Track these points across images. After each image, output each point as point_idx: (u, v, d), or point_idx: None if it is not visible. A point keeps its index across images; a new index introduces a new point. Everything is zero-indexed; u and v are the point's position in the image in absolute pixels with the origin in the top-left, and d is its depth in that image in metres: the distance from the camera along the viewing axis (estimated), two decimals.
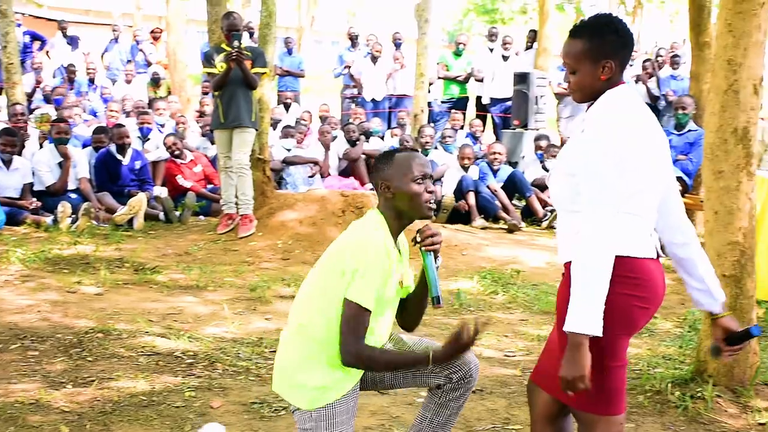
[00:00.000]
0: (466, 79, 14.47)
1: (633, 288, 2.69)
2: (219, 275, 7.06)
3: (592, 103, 2.80)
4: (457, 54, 14.53)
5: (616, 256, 2.61)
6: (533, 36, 15.63)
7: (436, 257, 3.10)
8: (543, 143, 11.16)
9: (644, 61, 13.79)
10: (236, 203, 8.44)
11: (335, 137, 11.77)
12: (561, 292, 2.83)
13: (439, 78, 14.38)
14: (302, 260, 7.64)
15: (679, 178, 8.72)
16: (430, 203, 3.06)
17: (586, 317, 2.55)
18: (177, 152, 10.23)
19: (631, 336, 2.80)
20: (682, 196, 8.60)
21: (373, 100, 14.43)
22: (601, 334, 2.56)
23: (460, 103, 14.55)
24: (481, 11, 37.30)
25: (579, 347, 2.57)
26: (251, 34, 13.99)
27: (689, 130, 8.86)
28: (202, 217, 9.71)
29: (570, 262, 2.66)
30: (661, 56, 14.28)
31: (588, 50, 2.74)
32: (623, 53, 2.76)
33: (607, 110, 2.72)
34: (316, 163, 11.22)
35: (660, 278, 2.79)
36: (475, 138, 12.48)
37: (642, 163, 2.68)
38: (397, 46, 15.01)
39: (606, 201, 2.61)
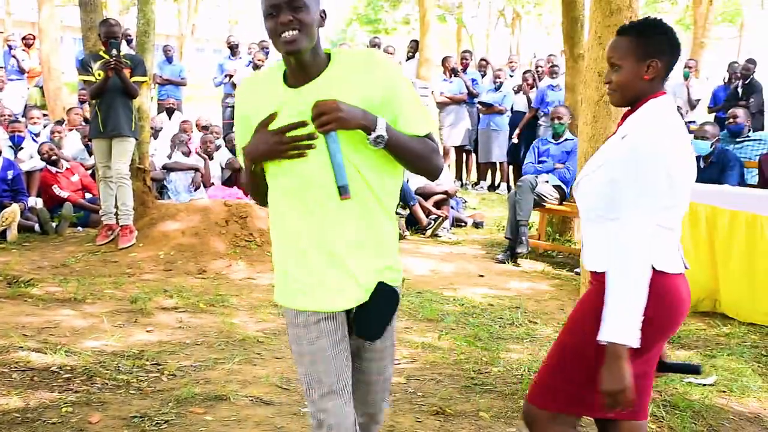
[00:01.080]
0: None
1: (656, 308, 2.66)
2: (98, 287, 6.89)
3: (630, 111, 2.80)
4: None
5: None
6: (415, 46, 15.81)
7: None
8: None
9: (524, 72, 14.13)
10: (116, 214, 8.26)
11: (218, 147, 11.65)
12: (588, 301, 2.80)
13: None
14: (185, 271, 7.53)
15: (557, 186, 8.97)
16: (286, 35, 2.47)
17: (625, 327, 2.52)
18: (54, 158, 9.94)
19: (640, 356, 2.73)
20: (560, 203, 8.89)
21: None
22: (638, 345, 2.53)
23: None
24: (365, 21, 37.51)
25: (618, 359, 2.53)
26: (129, 42, 13.70)
27: (566, 140, 9.08)
28: (80, 228, 9.46)
29: (601, 272, 2.67)
30: (540, 67, 14.66)
31: (635, 47, 2.73)
32: (669, 58, 2.76)
33: (656, 119, 2.69)
34: (196, 170, 11.09)
35: (686, 295, 2.77)
36: None
37: (683, 178, 2.67)
38: (266, 53, 15.00)
39: (649, 210, 2.59)
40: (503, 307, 6.86)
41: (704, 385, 4.98)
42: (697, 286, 6.77)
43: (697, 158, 8.36)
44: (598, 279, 2.75)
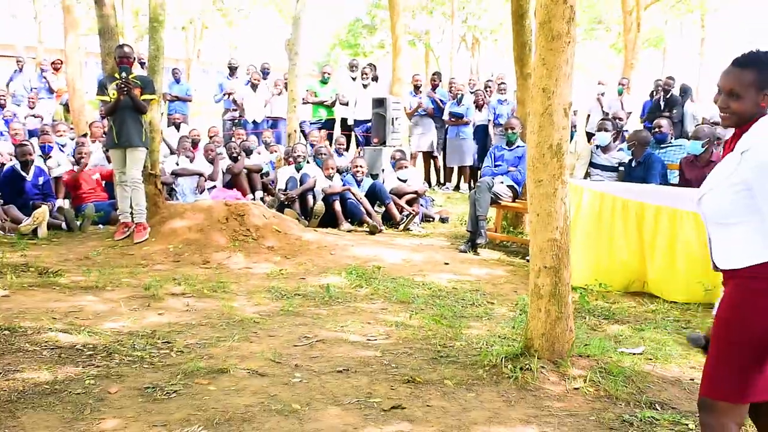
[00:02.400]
0: (333, 104, 14.51)
1: None
2: (116, 277, 6.84)
3: (740, 130, 2.75)
4: (324, 82, 14.53)
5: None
6: (373, 68, 15.59)
7: None
8: (398, 155, 11.35)
9: (476, 90, 14.16)
10: (131, 213, 8.22)
11: (220, 153, 11.60)
12: (734, 296, 2.72)
13: (308, 103, 14.37)
14: (191, 262, 7.49)
15: (510, 186, 8.99)
16: None
17: None
18: (82, 158, 10.00)
19: None
20: (513, 201, 8.90)
21: (253, 122, 14.33)
22: None
23: (328, 124, 14.57)
24: (345, 45, 37.48)
25: None
26: (142, 65, 13.61)
27: (517, 146, 9.10)
28: (101, 226, 9.39)
29: (739, 268, 2.66)
30: (489, 86, 14.69)
31: (757, 80, 2.68)
32: None
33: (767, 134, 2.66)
34: (201, 174, 11.05)
35: None
36: (339, 153, 12.49)
37: None
38: (265, 74, 14.93)
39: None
40: (465, 290, 6.87)
41: (634, 354, 5.01)
42: (628, 271, 6.87)
43: (630, 161, 8.42)
44: (735, 277, 2.71)
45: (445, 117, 13.63)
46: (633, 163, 8.31)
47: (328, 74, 14.63)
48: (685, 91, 13.68)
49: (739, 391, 2.69)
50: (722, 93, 2.76)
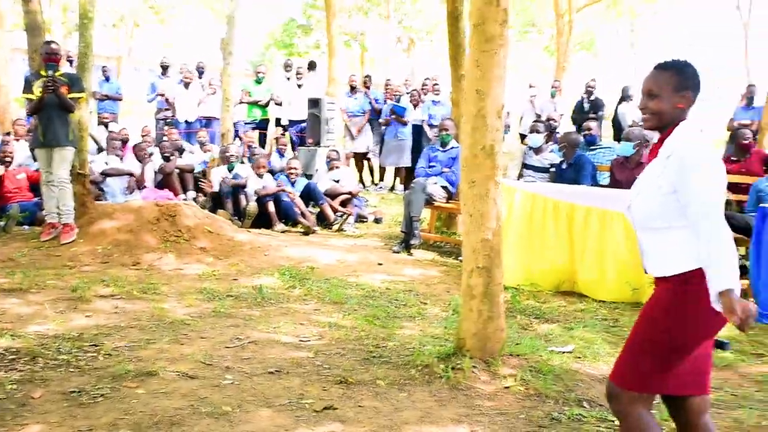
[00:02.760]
0: (267, 104, 14.41)
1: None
2: (42, 278, 6.66)
3: (664, 135, 2.82)
4: (258, 82, 14.42)
5: (700, 268, 2.64)
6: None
7: None
8: (332, 156, 11.33)
9: (411, 91, 14.20)
10: (58, 213, 8.00)
11: (151, 153, 11.40)
12: (659, 300, 2.78)
13: (242, 102, 14.24)
14: (121, 263, 7.33)
15: (444, 187, 9.05)
16: None
17: (732, 276, 2.55)
18: (6, 157, 9.68)
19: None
20: (447, 202, 8.97)
21: (186, 122, 14.13)
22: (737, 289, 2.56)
23: (262, 124, 14.47)
24: (281, 45, 37.23)
25: (734, 300, 2.52)
26: (71, 62, 13.27)
27: (452, 147, 9.16)
28: (26, 227, 9.11)
29: (670, 275, 2.71)
30: (426, 86, 14.78)
31: (674, 81, 2.78)
32: (696, 92, 2.81)
33: (697, 136, 2.74)
34: (131, 174, 10.84)
35: None
36: (281, 154, 12.37)
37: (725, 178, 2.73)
38: (200, 74, 14.74)
39: (719, 212, 2.62)
40: (398, 290, 6.89)
41: (564, 352, 5.09)
42: (559, 271, 6.98)
43: (561, 163, 8.56)
44: (666, 282, 2.76)
45: (384, 116, 13.62)
46: (564, 165, 8.45)
47: (263, 74, 14.53)
48: (625, 94, 13.94)
49: (649, 384, 2.81)
50: (643, 95, 2.87)
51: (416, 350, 4.91)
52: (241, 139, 12.97)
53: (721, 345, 2.91)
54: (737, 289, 2.56)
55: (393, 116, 13.44)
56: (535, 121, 9.71)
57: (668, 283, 2.76)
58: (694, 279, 2.68)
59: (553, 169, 8.76)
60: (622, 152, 8.10)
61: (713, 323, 2.72)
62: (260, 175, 10.26)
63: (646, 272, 2.92)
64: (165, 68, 14.89)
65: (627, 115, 13.52)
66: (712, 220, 2.59)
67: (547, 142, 9.64)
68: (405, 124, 13.49)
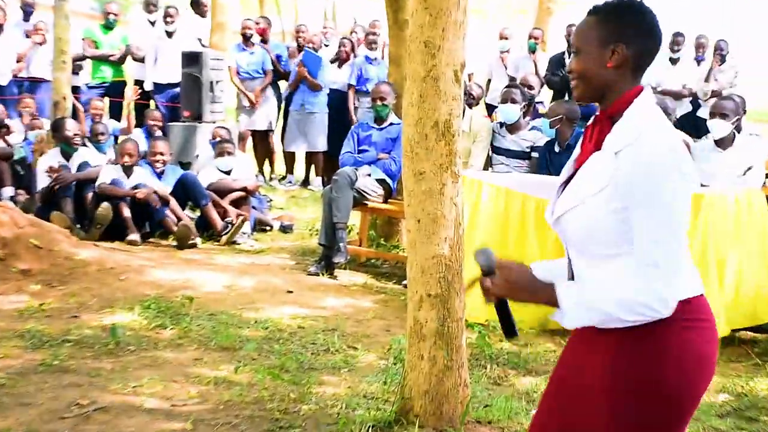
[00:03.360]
0: (122, 59, 14.25)
1: (707, 332, 2.73)
2: None
3: (604, 113, 2.80)
4: (108, 27, 14.26)
5: (681, 302, 2.63)
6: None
7: None
8: (220, 135, 11.26)
9: (341, 39, 14.17)
10: None
11: None
12: (622, 361, 2.73)
13: (85, 57, 14.04)
14: None
15: (381, 181, 9.05)
16: None
17: (580, 312, 2.67)
18: None
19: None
20: (385, 201, 8.99)
21: None
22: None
23: (113, 89, 14.36)
24: None
25: (537, 294, 2.78)
26: None
27: (390, 124, 9.14)
28: None
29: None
30: (354, 34, 14.78)
31: (599, 29, 2.77)
32: (643, 46, 2.76)
33: (654, 123, 2.70)
34: None
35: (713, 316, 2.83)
36: (151, 134, 12.21)
37: (695, 184, 2.70)
38: (28, 14, 14.50)
39: (676, 237, 2.62)
40: (316, 329, 6.88)
41: None
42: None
43: (549, 144, 8.60)
44: (604, 331, 2.73)
45: (292, 78, 13.58)
46: (556, 148, 8.47)
47: (115, 15, 14.37)
48: None
49: None
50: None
51: (342, 416, 4.91)
52: (83, 111, 12.80)
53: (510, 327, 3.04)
54: (564, 317, 2.70)
55: (301, 71, 13.35)
56: (508, 86, 9.76)
57: (620, 336, 2.72)
58: (665, 321, 2.66)
59: (535, 154, 8.83)
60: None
61: (705, 373, 2.75)
62: (127, 169, 10.04)
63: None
64: (27, 13, 14.62)
65: (650, 77, 13.70)
66: (657, 274, 2.59)
67: (525, 116, 9.73)
68: (318, 89, 13.44)
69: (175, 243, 9.56)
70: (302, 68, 13.36)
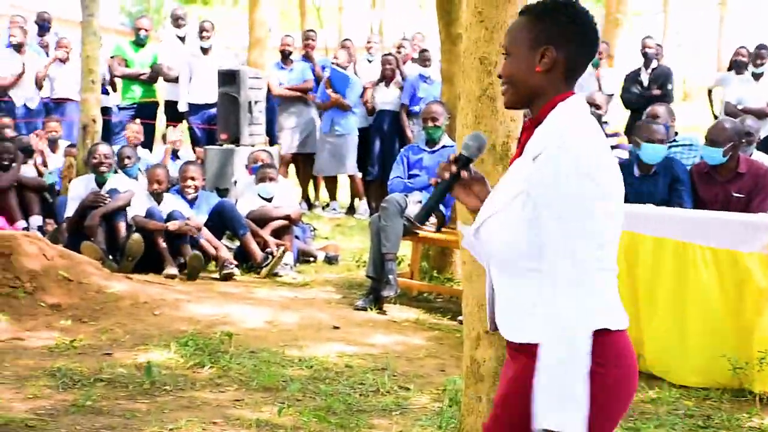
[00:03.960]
0: (154, 78, 14.39)
1: (618, 376, 2.72)
2: None
3: (532, 121, 2.79)
4: (139, 44, 14.42)
5: (597, 334, 2.58)
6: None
7: None
8: (260, 159, 11.30)
9: (385, 56, 14.10)
10: None
11: None
12: (519, 377, 2.76)
13: (116, 76, 14.19)
14: None
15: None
16: None
17: (571, 413, 2.52)
18: None
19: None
20: (438, 230, 9.00)
21: (25, 107, 14.03)
22: None
23: (145, 110, 14.45)
24: None
25: None
26: None
27: (443, 147, 9.11)
28: None
29: (529, 343, 2.64)
30: (403, 51, 14.77)
31: (528, 30, 2.76)
32: (575, 50, 2.77)
33: (574, 128, 2.69)
34: None
35: (633, 354, 2.83)
36: (177, 156, 12.33)
37: (618, 201, 2.69)
38: (43, 29, 14.68)
39: (588, 253, 2.59)
40: (365, 369, 6.89)
41: None
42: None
43: (628, 166, 8.39)
44: (525, 350, 2.71)
45: (320, 96, 13.61)
46: (635, 171, 8.19)
47: (146, 31, 14.48)
48: (739, 61, 13.83)
49: None
50: None
51: None
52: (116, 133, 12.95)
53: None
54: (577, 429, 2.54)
55: (334, 99, 13.41)
56: None
57: (522, 353, 2.75)
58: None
59: None
60: (707, 158, 7.99)
61: (618, 406, 2.77)
62: (157, 196, 10.17)
63: (493, 329, 2.93)
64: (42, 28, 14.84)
65: (731, 94, 13.49)
66: (566, 291, 2.57)
67: None
68: (347, 109, 13.45)
69: (218, 276, 9.66)
70: (334, 94, 13.41)
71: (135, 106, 14.32)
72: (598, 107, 10.90)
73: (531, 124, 2.80)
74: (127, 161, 11.13)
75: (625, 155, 9.93)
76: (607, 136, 10.55)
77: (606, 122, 11.76)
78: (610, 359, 2.67)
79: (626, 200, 7.49)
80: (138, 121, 13.54)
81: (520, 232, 2.69)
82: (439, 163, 2.88)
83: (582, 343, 2.52)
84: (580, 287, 2.56)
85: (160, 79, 14.43)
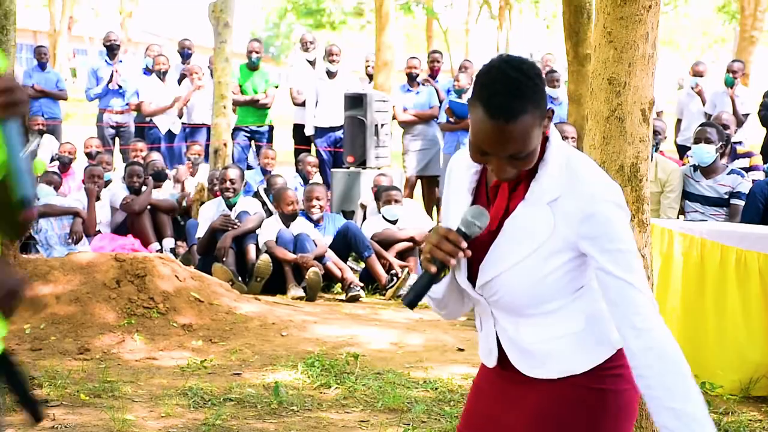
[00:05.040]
0: (265, 104, 14.56)
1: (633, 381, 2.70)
2: None
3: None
4: (251, 68, 14.60)
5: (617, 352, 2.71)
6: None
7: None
8: (385, 183, 11.33)
9: None
10: None
11: (108, 182, 11.63)
12: (565, 412, 2.77)
13: (237, 103, 14.33)
14: (60, 350, 7.47)
15: None
16: None
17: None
18: None
19: None
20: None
21: (169, 132, 14.34)
22: None
23: (257, 136, 14.72)
24: (303, 12, 37.61)
25: None
26: None
27: None
28: None
29: (559, 378, 2.70)
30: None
31: (531, 117, 2.60)
32: (545, 100, 2.70)
33: (577, 162, 2.72)
34: (76, 214, 11.01)
35: None
36: (305, 180, 12.46)
37: None
38: (186, 57, 14.97)
39: (642, 273, 2.64)
40: None
41: None
42: (749, 361, 6.88)
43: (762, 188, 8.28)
44: (563, 385, 2.75)
45: (441, 119, 13.63)
46: None
47: (258, 54, 14.68)
48: None
49: None
50: (491, 156, 2.69)
51: None
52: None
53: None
54: None
55: (450, 120, 13.42)
56: (702, 125, 9.62)
57: (567, 386, 2.75)
58: (611, 370, 2.71)
59: (734, 201, 8.68)
60: None
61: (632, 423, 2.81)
62: (289, 218, 10.32)
63: (522, 374, 2.85)
64: (111, 49, 15.08)
65: None
66: (650, 303, 2.59)
67: (722, 158, 9.58)
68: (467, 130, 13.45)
69: (345, 298, 9.76)
70: (457, 119, 13.41)
71: (248, 130, 14.57)
72: (726, 127, 10.75)
73: (524, 174, 2.74)
74: (273, 186, 11.29)
75: (761, 176, 9.77)
76: (739, 156, 10.42)
77: (739, 142, 11.59)
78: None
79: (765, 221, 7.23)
80: (272, 146, 13.71)
81: (548, 278, 2.70)
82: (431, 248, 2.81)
83: (684, 363, 2.55)
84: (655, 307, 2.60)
85: (288, 102, 14.57)
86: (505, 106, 2.55)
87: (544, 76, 10.86)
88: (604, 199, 2.63)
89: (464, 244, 2.68)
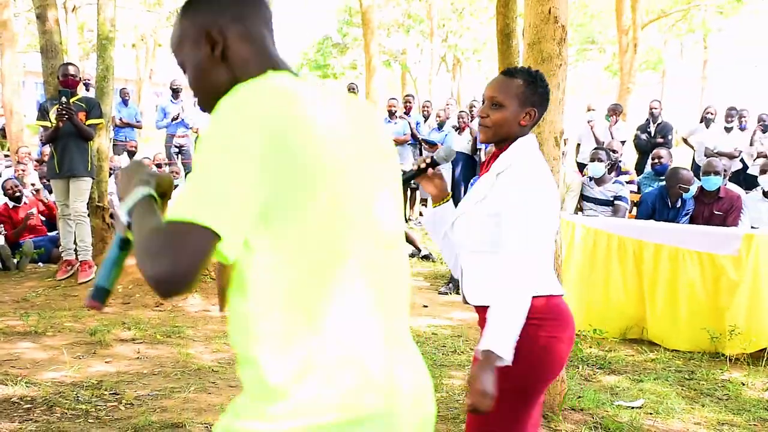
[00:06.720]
0: None
1: (555, 329, 2.67)
2: (58, 320, 6.79)
3: (498, 151, 2.78)
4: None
5: (535, 297, 2.58)
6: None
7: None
8: None
9: (460, 112, 14.20)
10: (75, 250, 8.17)
11: (176, 186, 11.60)
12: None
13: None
14: (143, 304, 7.45)
15: None
16: None
17: (506, 342, 2.44)
18: (17, 195, 9.87)
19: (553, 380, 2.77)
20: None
21: None
22: (510, 362, 2.45)
23: None
24: (314, 66, 37.69)
25: (491, 368, 2.42)
26: (87, 87, 13.63)
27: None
28: (41, 264, 9.32)
29: (487, 306, 2.58)
30: (475, 107, 14.79)
31: (522, 93, 2.74)
32: (542, 110, 2.79)
33: (532, 155, 2.73)
34: None
35: (570, 314, 2.76)
36: None
37: (557, 205, 2.72)
38: (175, 92, 14.85)
39: (536, 243, 2.58)
40: (446, 336, 6.89)
41: (633, 407, 5.05)
42: (625, 315, 6.94)
43: (663, 195, 8.25)
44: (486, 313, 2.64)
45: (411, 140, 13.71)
46: (668, 201, 8.00)
47: None
48: (707, 116, 13.75)
49: None
50: (485, 102, 2.81)
51: (466, 403, 4.89)
52: None
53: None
54: (503, 358, 2.44)
55: (428, 146, 13.55)
56: (596, 149, 9.65)
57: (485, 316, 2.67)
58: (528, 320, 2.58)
59: (618, 202, 8.70)
60: (707, 184, 7.88)
61: (557, 359, 2.69)
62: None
63: (464, 301, 2.85)
64: (176, 92, 15.09)
65: (707, 141, 13.28)
66: (518, 264, 2.55)
67: (610, 173, 9.61)
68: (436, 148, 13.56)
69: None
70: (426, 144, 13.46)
71: None
72: (614, 151, 10.75)
73: (498, 153, 2.79)
74: None
75: (634, 188, 9.86)
76: (621, 173, 10.46)
77: (621, 161, 11.59)
78: (557, 315, 2.69)
79: (653, 217, 7.13)
80: None
81: (482, 229, 2.70)
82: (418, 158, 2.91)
83: (524, 302, 2.51)
84: (529, 265, 2.54)
85: None
86: (511, 70, 2.79)
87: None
88: (522, 187, 2.63)
89: (423, 165, 2.94)
